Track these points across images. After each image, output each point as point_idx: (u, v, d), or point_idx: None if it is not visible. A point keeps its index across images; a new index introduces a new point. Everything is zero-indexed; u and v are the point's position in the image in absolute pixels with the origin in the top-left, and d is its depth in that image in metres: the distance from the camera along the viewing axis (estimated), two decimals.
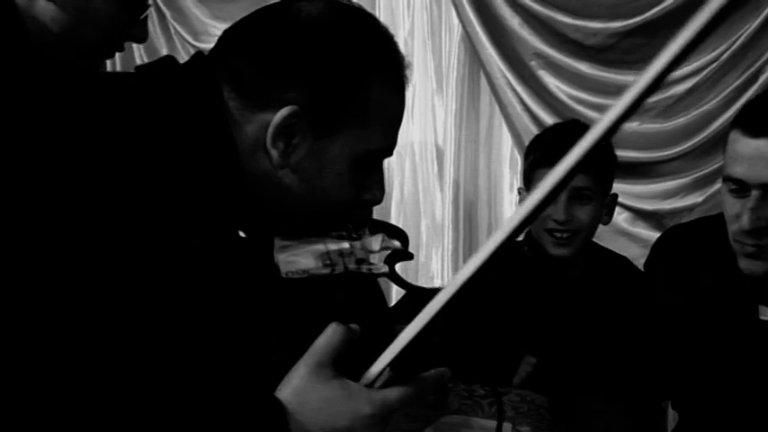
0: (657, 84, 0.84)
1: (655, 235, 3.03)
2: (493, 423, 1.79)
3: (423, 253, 3.98)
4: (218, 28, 4.23)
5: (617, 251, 2.60)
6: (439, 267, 3.94)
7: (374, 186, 1.35)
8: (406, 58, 1.36)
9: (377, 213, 3.67)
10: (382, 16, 3.91)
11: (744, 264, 1.84)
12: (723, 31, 3.16)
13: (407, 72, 1.36)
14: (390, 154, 1.37)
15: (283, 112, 1.23)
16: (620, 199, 3.18)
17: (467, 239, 3.87)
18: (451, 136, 3.90)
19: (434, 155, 4.00)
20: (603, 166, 2.32)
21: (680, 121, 3.32)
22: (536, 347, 2.26)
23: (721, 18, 0.81)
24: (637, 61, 3.32)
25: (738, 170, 1.81)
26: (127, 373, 1.07)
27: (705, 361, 1.96)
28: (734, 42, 3.15)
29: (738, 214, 1.82)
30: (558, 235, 2.27)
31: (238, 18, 1.34)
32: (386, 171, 4.00)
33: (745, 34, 3.13)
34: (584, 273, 2.36)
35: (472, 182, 3.92)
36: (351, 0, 1.39)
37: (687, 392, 2.07)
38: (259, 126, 1.26)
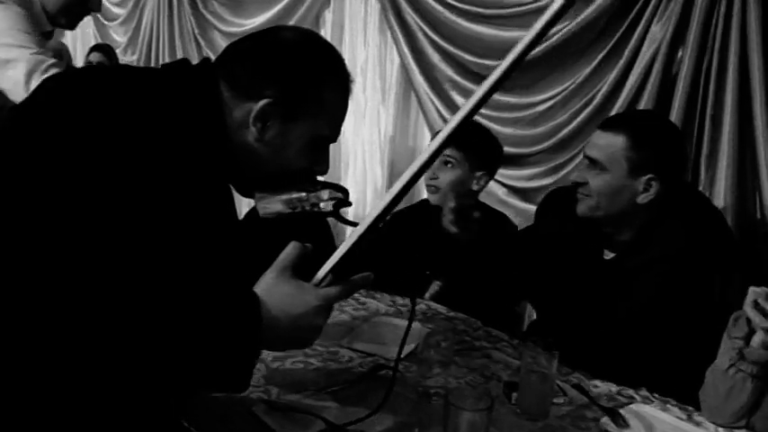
0: (484, 101, 0.99)
1: (522, 204, 3.50)
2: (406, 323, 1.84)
3: (368, 210, 3.58)
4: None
5: None
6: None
7: (323, 161, 1.39)
8: (351, 74, 1.38)
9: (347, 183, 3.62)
10: (347, 51, 4.04)
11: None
12: (570, 72, 3.25)
13: (351, 84, 1.38)
14: (335, 140, 1.40)
15: (261, 102, 1.27)
16: (500, 179, 3.40)
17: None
18: (390, 133, 4.10)
19: (378, 146, 4.19)
20: (472, 144, 2.43)
21: (539, 129, 3.40)
22: (441, 273, 2.45)
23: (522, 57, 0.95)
24: (513, 87, 3.40)
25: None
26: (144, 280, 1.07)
27: (566, 277, 2.06)
28: (576, 80, 3.23)
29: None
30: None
31: None
32: (345, 157, 4.02)
33: (583, 75, 3.20)
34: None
35: (404, 164, 3.88)
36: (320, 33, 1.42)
37: (549, 301, 2.15)
38: (245, 112, 1.29)
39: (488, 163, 2.54)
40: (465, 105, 1.03)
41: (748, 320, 1.57)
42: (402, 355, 1.70)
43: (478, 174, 2.51)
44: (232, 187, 1.38)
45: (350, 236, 1.17)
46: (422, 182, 3.64)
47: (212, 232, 1.23)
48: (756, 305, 1.53)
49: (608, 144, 1.91)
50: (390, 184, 4.01)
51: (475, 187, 2.54)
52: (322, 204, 1.37)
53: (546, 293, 2.15)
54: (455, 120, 1.03)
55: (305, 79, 1.31)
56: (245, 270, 1.25)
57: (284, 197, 1.37)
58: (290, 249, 1.23)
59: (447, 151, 2.43)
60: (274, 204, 1.38)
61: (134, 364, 1.07)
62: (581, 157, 2.21)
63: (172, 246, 1.12)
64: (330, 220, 1.45)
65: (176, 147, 1.16)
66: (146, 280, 1.07)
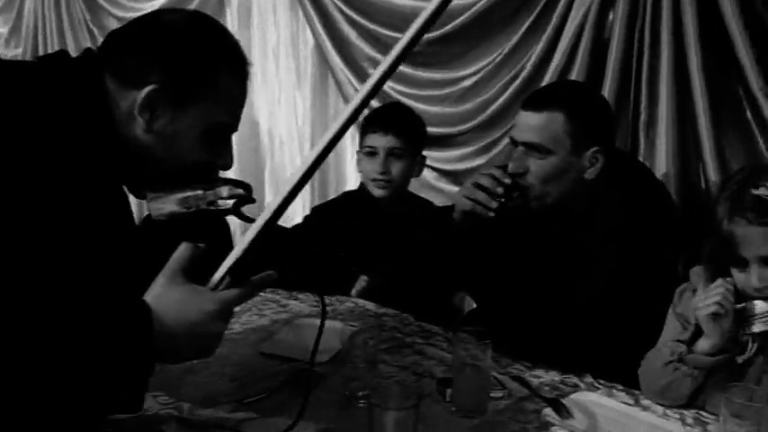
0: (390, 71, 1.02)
1: (453, 188, 3.39)
2: (332, 323, 1.84)
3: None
4: None
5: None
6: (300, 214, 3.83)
7: (224, 154, 1.42)
8: (248, 59, 1.42)
9: (258, 178, 3.63)
10: (256, 33, 4.01)
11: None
12: (496, 43, 3.23)
13: (248, 67, 1.41)
14: (236, 129, 1.42)
15: (147, 89, 1.29)
16: (429, 163, 3.13)
17: (321, 193, 3.96)
18: (308, 119, 4.06)
19: (296, 134, 4.13)
20: (413, 131, 2.56)
21: (467, 106, 3.38)
22: (369, 269, 2.49)
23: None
24: (436, 62, 3.42)
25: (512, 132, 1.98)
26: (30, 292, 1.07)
27: (509, 263, 2.09)
28: (502, 51, 3.21)
29: None
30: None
31: None
32: (262, 147, 4.12)
33: (509, 45, 3.17)
34: (401, 211, 2.58)
35: None
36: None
37: (490, 289, 2.15)
38: (131, 101, 1.30)
39: (422, 146, 2.64)
40: (364, 86, 1.06)
41: (694, 290, 1.57)
42: (327, 358, 1.72)
43: (419, 159, 2.63)
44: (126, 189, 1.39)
45: (247, 233, 1.16)
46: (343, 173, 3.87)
47: (101, 238, 1.23)
48: (716, 316, 1.53)
49: (544, 124, 1.90)
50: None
51: (416, 174, 2.64)
52: (221, 202, 1.37)
53: (486, 280, 2.15)
54: (348, 110, 1.06)
55: (193, 61, 1.33)
56: (140, 279, 1.24)
57: (179, 196, 1.37)
58: (181, 251, 1.22)
59: (392, 143, 2.51)
60: (168, 204, 1.37)
61: (11, 384, 1.04)
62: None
63: (54, 254, 1.11)
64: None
65: (58, 147, 1.15)
66: (23, 291, 1.06)
